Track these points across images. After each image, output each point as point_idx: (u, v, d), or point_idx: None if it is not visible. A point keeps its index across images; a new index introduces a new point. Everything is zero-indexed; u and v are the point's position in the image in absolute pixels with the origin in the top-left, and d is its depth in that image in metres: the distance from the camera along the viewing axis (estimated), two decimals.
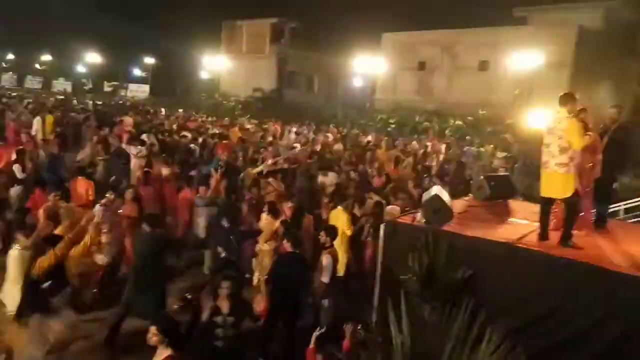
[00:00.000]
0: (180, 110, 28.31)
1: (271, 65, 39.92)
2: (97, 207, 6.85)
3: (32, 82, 54.87)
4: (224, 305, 4.41)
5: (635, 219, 9.12)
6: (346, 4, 44.06)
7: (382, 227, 5.66)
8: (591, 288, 4.32)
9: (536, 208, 6.75)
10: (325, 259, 5.85)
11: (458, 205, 6.49)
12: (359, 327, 6.04)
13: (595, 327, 4.24)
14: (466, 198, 7.49)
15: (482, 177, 7.54)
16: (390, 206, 7.28)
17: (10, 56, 64.21)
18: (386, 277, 5.42)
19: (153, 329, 3.70)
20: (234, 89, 38.68)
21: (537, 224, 5.72)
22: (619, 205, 9.49)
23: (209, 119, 25.65)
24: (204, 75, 45.54)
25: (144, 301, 5.42)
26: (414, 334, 3.72)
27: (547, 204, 5.28)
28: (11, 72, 58.93)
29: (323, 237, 6.08)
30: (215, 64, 40.01)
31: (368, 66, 30.59)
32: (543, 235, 5.20)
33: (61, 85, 53.84)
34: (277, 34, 40.78)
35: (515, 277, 4.69)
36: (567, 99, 5.08)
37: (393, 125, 28.23)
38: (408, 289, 4.68)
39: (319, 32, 41.51)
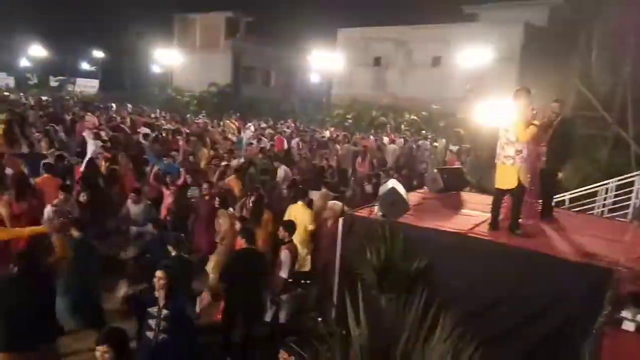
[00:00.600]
0: (130, 106, 27.31)
1: (226, 59, 39.29)
2: (48, 207, 6.61)
3: None
4: (161, 297, 4.26)
5: (579, 208, 9.61)
6: None
7: (340, 221, 5.72)
8: (539, 275, 4.53)
9: (487, 199, 6.99)
10: (284, 254, 5.83)
11: (413, 198, 6.64)
12: (319, 320, 6.10)
13: (542, 312, 4.45)
14: (421, 191, 7.67)
15: (435, 170, 7.74)
16: (332, 202, 7.28)
17: None
18: (345, 270, 5.48)
19: (103, 348, 3.33)
20: (188, 83, 37.84)
21: (488, 215, 5.94)
22: (564, 195, 9.97)
23: (163, 114, 25.02)
24: (156, 69, 44.27)
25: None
26: (371, 326, 3.78)
27: (498, 194, 5.48)
28: None
29: (281, 232, 6.06)
30: (168, 58, 38.95)
31: (324, 62, 30.68)
32: (494, 224, 5.40)
33: (2, 80, 50.92)
34: (232, 28, 40.15)
35: (468, 265, 4.85)
36: (519, 94, 5.25)
37: (350, 120, 28.49)
38: (365, 281, 4.75)
39: (275, 26, 41.32)
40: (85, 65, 56.88)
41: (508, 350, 4.53)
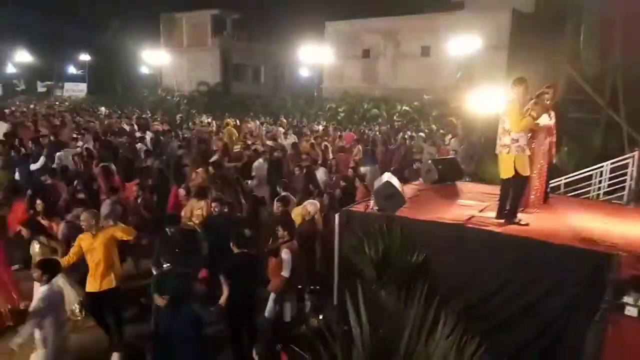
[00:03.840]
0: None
1: (215, 57, 39.04)
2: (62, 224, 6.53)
3: None
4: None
5: (575, 193, 9.61)
6: None
7: (336, 217, 5.66)
8: (537, 261, 4.50)
9: (484, 188, 6.97)
10: (285, 254, 5.78)
11: (409, 190, 6.59)
12: (320, 317, 6.07)
13: (543, 298, 4.43)
14: (416, 182, 7.64)
15: (430, 161, 7.71)
16: (309, 201, 7.18)
17: None
18: (343, 266, 5.44)
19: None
20: (177, 84, 37.59)
21: (484, 204, 5.91)
22: (560, 180, 9.96)
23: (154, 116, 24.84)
24: (144, 70, 43.91)
25: None
26: (372, 322, 3.74)
27: (504, 184, 5.38)
28: None
29: (280, 231, 6.02)
30: (155, 59, 38.62)
31: (313, 56, 30.51)
32: (499, 213, 5.32)
33: None
34: (219, 26, 39.87)
35: (467, 256, 4.82)
36: (516, 82, 5.18)
37: (342, 114, 28.39)
38: (365, 276, 4.70)
39: (263, 22, 41.07)
40: (72, 69, 56.33)
41: (510, 339, 4.51)
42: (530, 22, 25.49)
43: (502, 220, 5.19)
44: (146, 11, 43.30)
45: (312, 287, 6.45)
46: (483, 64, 23.47)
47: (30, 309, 4.44)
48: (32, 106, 29.29)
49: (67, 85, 50.05)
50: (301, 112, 30.09)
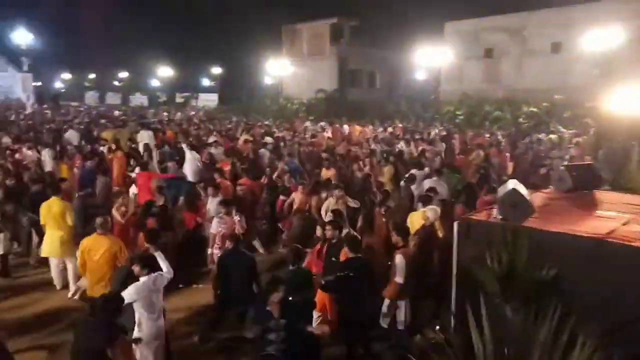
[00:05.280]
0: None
1: (332, 65, 40.06)
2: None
3: (113, 98, 58.99)
4: (275, 310, 4.37)
5: None
6: None
7: (455, 225, 5.45)
8: None
9: (627, 199, 6.23)
10: (398, 259, 5.73)
11: (537, 198, 6.12)
12: (436, 328, 5.89)
13: None
14: (546, 190, 7.05)
15: (562, 167, 7.07)
16: (429, 207, 6.91)
17: (92, 75, 69.52)
18: (462, 277, 5.21)
19: None
20: (297, 91, 39.24)
21: (628, 216, 5.27)
22: None
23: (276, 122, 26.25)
24: (267, 80, 46.60)
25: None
26: (495, 338, 3.53)
27: None
28: (94, 91, 63.83)
29: (394, 236, 5.99)
30: (277, 69, 40.83)
31: (431, 58, 29.81)
32: None
33: (138, 99, 57.43)
34: (336, 34, 40.84)
35: (607, 275, 4.32)
36: None
37: (461, 117, 27.32)
38: (487, 289, 4.46)
39: (379, 27, 41.21)
40: (205, 81, 61.91)
41: None
42: None
43: None
44: (270, 24, 46.07)
45: (427, 296, 6.29)
46: (625, 59, 20.93)
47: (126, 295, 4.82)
48: (178, 115, 32.73)
49: (202, 96, 55.19)
50: (417, 115, 29.55)
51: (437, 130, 20.87)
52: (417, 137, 17.32)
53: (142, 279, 4.91)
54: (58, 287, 7.48)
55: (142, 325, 4.83)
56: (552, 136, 15.68)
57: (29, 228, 8.26)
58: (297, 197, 8.76)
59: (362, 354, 5.55)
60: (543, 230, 4.86)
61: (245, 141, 14.95)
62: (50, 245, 7.39)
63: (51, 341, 5.94)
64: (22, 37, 33.82)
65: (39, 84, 49.59)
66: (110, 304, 4.22)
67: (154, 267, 5.08)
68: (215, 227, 7.22)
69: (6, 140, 15.12)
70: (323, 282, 5.51)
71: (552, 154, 12.64)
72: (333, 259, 5.86)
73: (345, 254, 5.66)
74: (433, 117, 28.84)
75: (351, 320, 5.36)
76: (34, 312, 6.74)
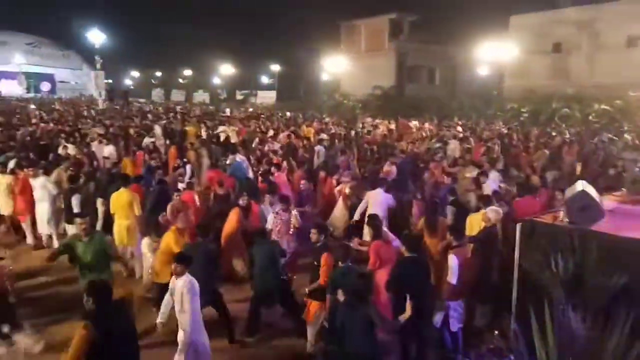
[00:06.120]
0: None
1: (390, 61, 39.59)
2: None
3: (177, 95, 61.49)
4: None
5: None
6: None
7: (518, 227, 5.25)
8: None
9: None
10: (452, 259, 5.62)
11: (608, 202, 5.77)
12: (495, 333, 5.70)
13: None
14: (617, 193, 6.63)
15: (638, 168, 6.62)
16: (491, 207, 6.62)
17: (158, 73, 72.84)
18: (525, 281, 5.01)
19: None
20: (354, 88, 39.14)
21: None
22: None
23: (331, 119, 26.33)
24: (324, 77, 46.84)
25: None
26: (560, 346, 3.38)
27: None
28: (159, 88, 66.87)
29: (449, 236, 5.97)
30: (335, 65, 40.95)
31: (495, 53, 28.72)
32: None
33: (200, 96, 59.55)
34: (395, 30, 40.31)
35: None
36: None
37: (525, 115, 26.18)
38: (552, 295, 4.26)
39: (440, 22, 40.19)
40: (264, 79, 63.18)
41: None
42: None
43: None
44: (328, 21, 46.24)
45: (486, 299, 6.10)
46: None
47: (176, 299, 4.87)
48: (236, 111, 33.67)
49: (260, 94, 56.39)
50: (478, 113, 28.61)
51: (497, 128, 20.16)
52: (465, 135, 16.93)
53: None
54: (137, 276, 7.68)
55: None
56: (627, 136, 14.66)
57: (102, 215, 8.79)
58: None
59: (416, 353, 5.48)
60: (613, 235, 4.59)
61: (288, 136, 15.18)
62: (118, 234, 7.83)
63: None
64: (95, 37, 35.84)
65: (110, 81, 52.48)
66: None
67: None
68: (271, 223, 7.34)
69: (97, 130, 16.12)
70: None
71: (624, 154, 11.83)
72: (315, 263, 5.82)
73: (402, 252, 5.61)
74: (495, 114, 27.81)
75: (406, 320, 5.30)
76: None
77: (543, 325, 3.48)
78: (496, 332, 5.70)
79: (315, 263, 5.77)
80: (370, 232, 6.37)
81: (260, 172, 10.42)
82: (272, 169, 10.15)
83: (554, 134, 18.13)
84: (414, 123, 21.52)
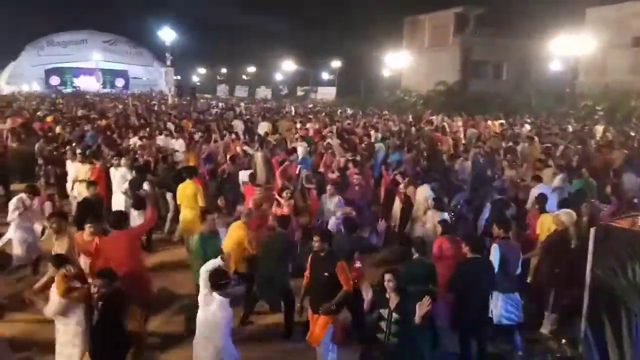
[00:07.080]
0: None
1: (454, 56, 38.42)
2: None
3: (240, 91, 63.14)
4: (392, 299, 4.29)
5: None
6: None
7: (591, 231, 4.97)
8: None
9: None
10: (493, 248, 5.52)
11: None
12: (562, 342, 5.44)
13: None
14: None
15: None
16: (564, 210, 6.24)
17: (224, 70, 75.20)
18: (597, 288, 4.74)
19: None
20: (415, 84, 38.39)
21: None
22: None
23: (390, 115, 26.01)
24: (385, 73, 46.30)
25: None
26: (637, 357, 3.16)
27: None
28: (224, 84, 69.01)
29: (495, 229, 5.79)
30: (396, 61, 40.31)
31: (568, 47, 27.09)
32: None
33: (263, 92, 60.81)
34: (461, 24, 39.06)
35: None
36: None
37: (601, 112, 24.55)
38: (628, 304, 3.99)
39: (509, 15, 38.30)
40: (324, 75, 63.47)
41: None
42: None
43: None
44: (391, 16, 45.63)
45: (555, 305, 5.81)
46: None
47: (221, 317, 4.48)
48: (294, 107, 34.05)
49: (320, 89, 56.67)
50: (548, 110, 27.13)
51: (570, 127, 19.02)
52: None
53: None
54: None
55: None
56: None
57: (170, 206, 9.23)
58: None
59: (475, 350, 5.33)
60: None
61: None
62: (183, 224, 8.16)
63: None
64: (166, 34, 37.48)
65: (179, 77, 54.75)
66: None
67: None
68: (332, 226, 7.27)
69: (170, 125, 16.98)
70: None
71: None
72: (326, 274, 5.00)
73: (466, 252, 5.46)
74: (567, 112, 26.29)
75: (468, 319, 5.17)
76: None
77: (618, 335, 3.27)
78: (564, 340, 5.45)
79: (327, 274, 5.00)
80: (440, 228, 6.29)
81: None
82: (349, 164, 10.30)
83: (632, 133, 16.89)
84: (498, 122, 20.58)
